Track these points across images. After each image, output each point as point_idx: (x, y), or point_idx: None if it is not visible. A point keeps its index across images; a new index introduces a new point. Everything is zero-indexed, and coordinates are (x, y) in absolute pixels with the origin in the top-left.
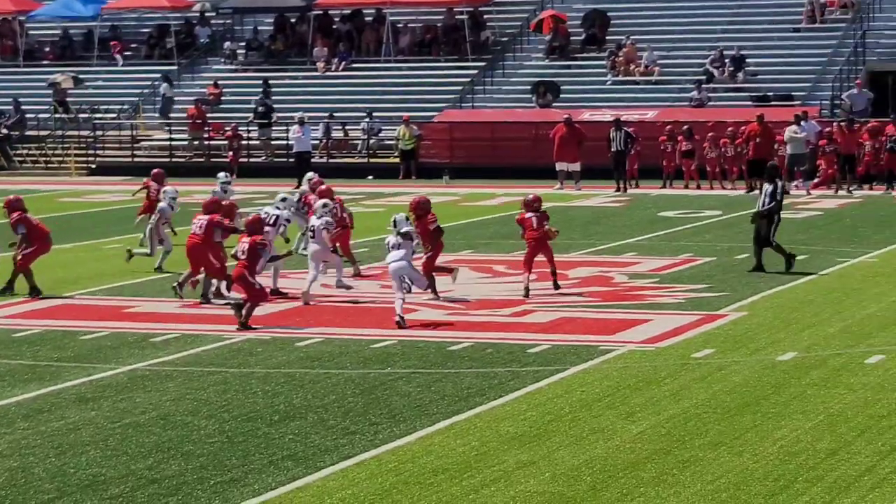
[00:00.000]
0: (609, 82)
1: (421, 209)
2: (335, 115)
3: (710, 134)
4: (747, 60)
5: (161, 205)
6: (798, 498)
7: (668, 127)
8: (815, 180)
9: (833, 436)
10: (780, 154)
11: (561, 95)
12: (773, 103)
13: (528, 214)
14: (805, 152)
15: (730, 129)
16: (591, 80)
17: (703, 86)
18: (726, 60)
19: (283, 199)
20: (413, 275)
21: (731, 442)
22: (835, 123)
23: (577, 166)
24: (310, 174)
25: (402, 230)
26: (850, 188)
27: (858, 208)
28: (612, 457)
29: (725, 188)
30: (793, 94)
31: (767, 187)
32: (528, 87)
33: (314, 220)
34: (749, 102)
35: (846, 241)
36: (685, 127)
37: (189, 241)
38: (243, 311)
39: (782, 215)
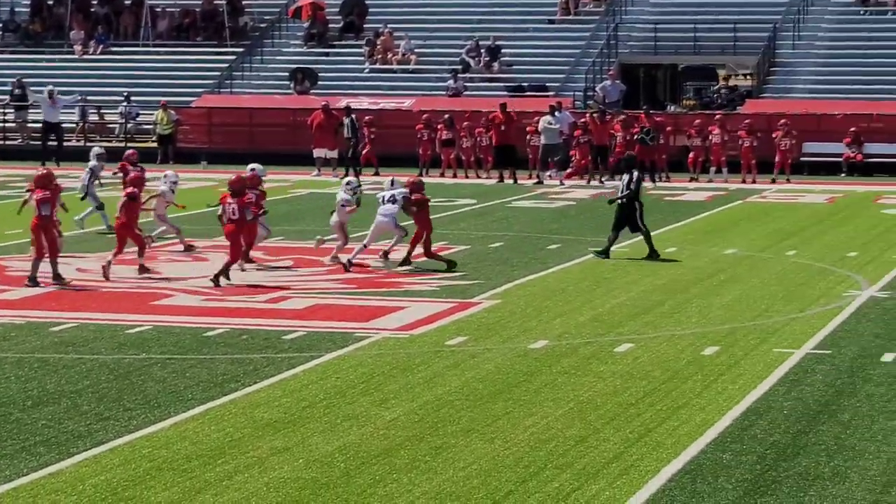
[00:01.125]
0: (367, 70)
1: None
2: (90, 98)
3: (465, 123)
4: (503, 51)
5: (162, 188)
6: (548, 484)
7: (425, 116)
8: (569, 170)
9: (583, 423)
10: (533, 144)
11: (319, 82)
12: (527, 94)
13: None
14: (559, 143)
15: (484, 118)
16: (349, 68)
17: (460, 75)
18: (482, 50)
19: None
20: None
21: (482, 429)
22: (587, 114)
23: (334, 153)
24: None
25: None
26: (603, 178)
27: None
28: (366, 443)
29: (480, 177)
30: (547, 84)
31: (625, 177)
32: (287, 74)
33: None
34: (504, 92)
35: (599, 231)
36: (446, 116)
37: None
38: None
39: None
